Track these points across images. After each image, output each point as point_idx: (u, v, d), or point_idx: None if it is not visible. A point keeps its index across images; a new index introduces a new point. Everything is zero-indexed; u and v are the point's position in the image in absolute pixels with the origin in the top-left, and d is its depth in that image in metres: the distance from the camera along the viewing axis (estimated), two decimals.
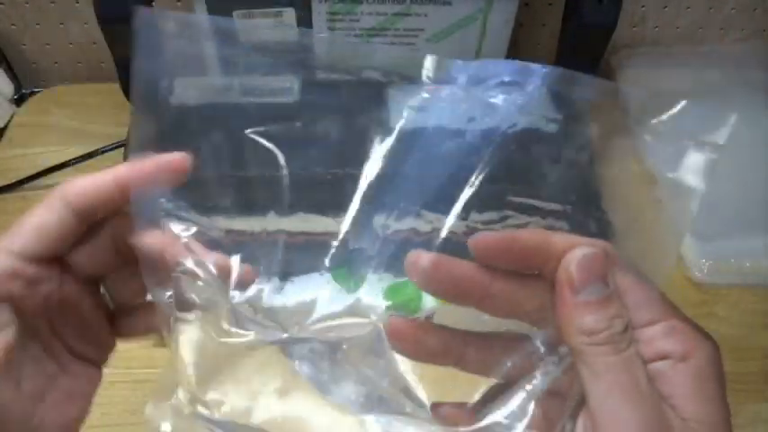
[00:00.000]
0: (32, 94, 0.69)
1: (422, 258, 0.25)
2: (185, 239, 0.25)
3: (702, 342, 0.22)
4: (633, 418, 0.21)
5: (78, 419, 0.27)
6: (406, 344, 0.26)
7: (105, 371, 0.47)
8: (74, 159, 0.57)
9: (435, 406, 0.26)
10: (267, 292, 0.28)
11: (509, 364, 0.26)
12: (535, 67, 0.25)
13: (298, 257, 0.32)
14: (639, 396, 0.21)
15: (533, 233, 0.25)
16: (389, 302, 0.30)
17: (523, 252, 0.24)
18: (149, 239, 0.25)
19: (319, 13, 0.59)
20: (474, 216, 0.28)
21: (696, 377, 0.21)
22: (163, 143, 0.30)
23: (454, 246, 0.28)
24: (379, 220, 0.29)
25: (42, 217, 0.24)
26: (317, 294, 0.29)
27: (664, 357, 0.22)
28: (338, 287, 0.33)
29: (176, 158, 0.25)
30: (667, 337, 0.22)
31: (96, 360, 0.29)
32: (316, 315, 0.28)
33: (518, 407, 0.24)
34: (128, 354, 0.48)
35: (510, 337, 0.26)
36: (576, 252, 0.23)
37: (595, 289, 0.23)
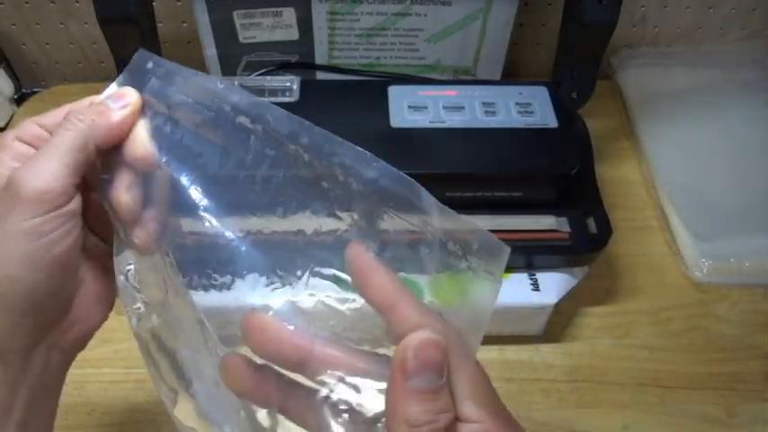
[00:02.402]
0: (33, 93, 0.69)
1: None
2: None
3: None
4: None
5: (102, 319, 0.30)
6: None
7: (105, 371, 0.48)
8: None
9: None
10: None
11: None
12: None
13: (298, 258, 0.32)
14: None
15: (384, 289, 0.25)
16: None
17: (373, 294, 0.25)
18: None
19: (319, 12, 0.59)
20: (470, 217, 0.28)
21: None
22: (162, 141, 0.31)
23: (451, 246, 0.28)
24: (380, 221, 0.29)
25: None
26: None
27: None
28: (339, 289, 0.33)
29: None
30: None
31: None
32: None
33: None
34: (128, 354, 0.48)
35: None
36: (416, 335, 0.23)
37: (428, 378, 0.22)
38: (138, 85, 0.29)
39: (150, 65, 0.30)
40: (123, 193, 0.28)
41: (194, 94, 0.29)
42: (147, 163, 0.28)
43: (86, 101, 0.29)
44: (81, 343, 0.30)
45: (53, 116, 0.28)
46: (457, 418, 0.23)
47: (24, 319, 0.26)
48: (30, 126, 0.28)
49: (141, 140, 0.28)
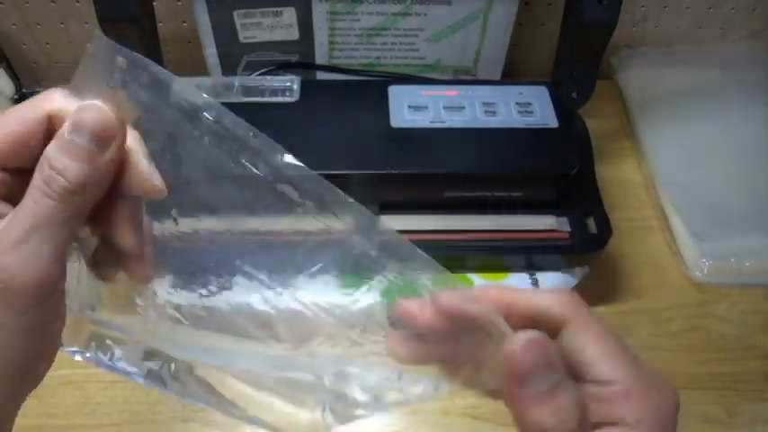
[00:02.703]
0: (33, 93, 0.69)
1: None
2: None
3: (657, 401, 0.23)
4: None
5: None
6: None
7: (104, 370, 0.48)
8: None
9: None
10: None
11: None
12: None
13: (300, 258, 0.32)
14: None
15: (493, 295, 0.25)
16: (387, 301, 0.30)
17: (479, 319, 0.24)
18: None
19: (320, 12, 0.59)
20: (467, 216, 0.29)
21: None
22: (164, 142, 0.31)
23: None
24: (381, 221, 0.29)
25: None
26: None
27: (616, 423, 0.22)
28: (340, 290, 0.33)
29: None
30: (623, 402, 0.22)
31: None
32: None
33: None
34: None
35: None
36: (519, 340, 0.22)
37: (542, 379, 0.22)
38: (112, 88, 0.24)
39: (122, 62, 0.24)
40: (129, 232, 0.24)
41: (211, 129, 0.26)
42: (156, 193, 0.24)
43: (34, 112, 0.23)
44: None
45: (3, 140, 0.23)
46: (593, 381, 0.23)
47: (14, 392, 0.23)
48: None
49: (146, 173, 0.24)
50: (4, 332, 0.22)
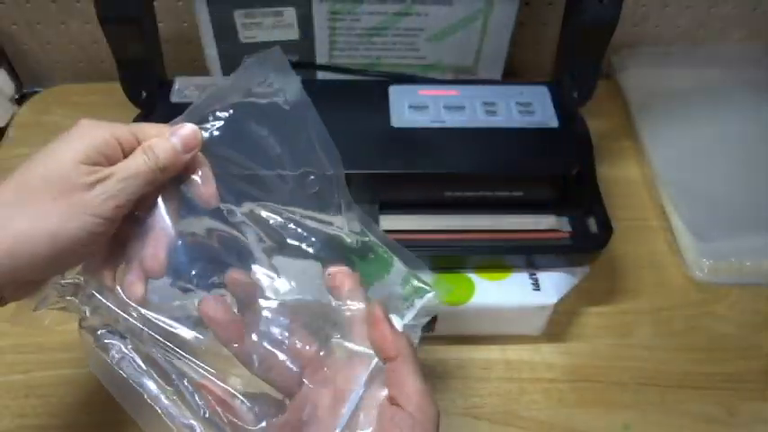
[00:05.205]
0: (33, 93, 0.69)
1: None
2: None
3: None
4: None
5: None
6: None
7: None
8: None
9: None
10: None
11: None
12: None
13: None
14: None
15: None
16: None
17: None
18: None
19: (320, 12, 0.59)
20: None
21: None
22: None
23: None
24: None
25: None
26: None
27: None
28: None
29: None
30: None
31: None
32: None
33: None
34: None
35: None
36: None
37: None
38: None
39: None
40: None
41: None
42: (212, 201, 0.34)
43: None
44: None
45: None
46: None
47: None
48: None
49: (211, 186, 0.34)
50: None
